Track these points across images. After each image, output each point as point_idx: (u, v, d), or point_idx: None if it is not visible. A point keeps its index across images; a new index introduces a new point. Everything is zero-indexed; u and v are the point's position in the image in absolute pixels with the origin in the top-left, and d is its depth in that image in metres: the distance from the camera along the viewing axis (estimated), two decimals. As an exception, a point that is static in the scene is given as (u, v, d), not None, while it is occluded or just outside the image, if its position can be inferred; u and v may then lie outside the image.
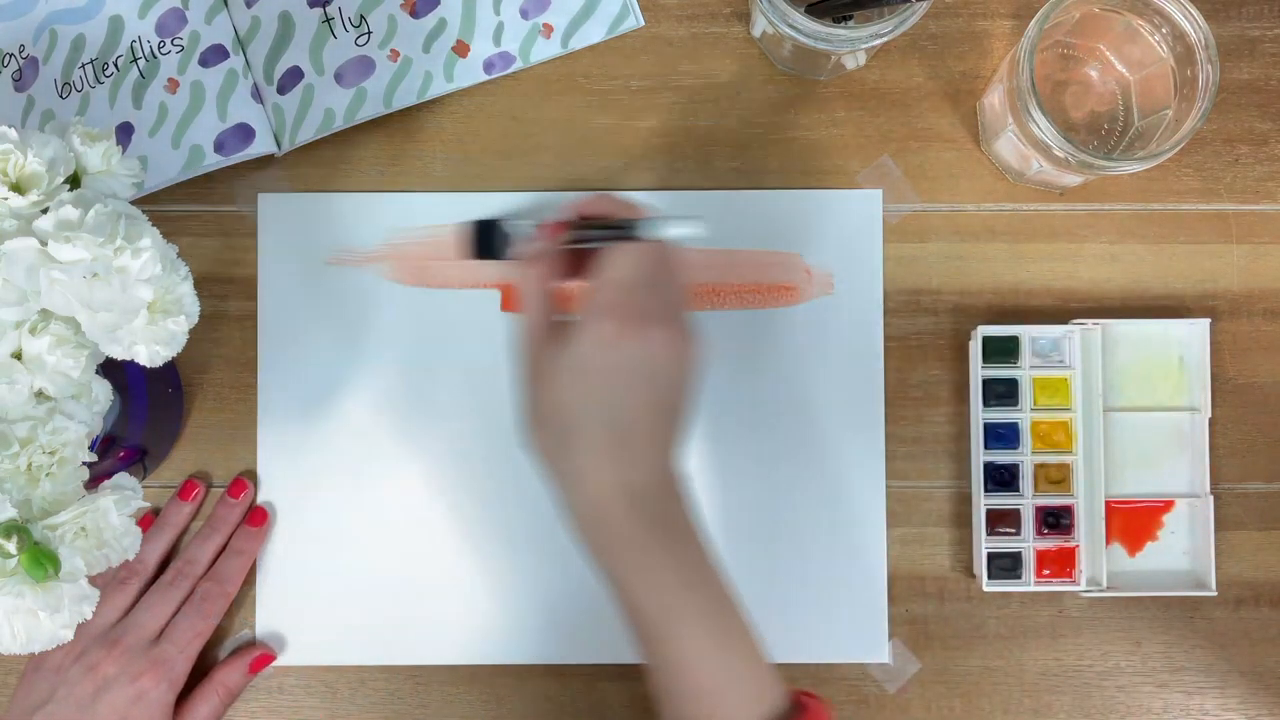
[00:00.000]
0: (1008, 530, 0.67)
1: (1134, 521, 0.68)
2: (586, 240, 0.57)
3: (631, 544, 0.52)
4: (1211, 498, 0.68)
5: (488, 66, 0.69)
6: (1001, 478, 0.67)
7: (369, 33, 0.68)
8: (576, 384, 0.52)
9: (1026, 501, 0.67)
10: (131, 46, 0.67)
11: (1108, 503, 0.68)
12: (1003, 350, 0.67)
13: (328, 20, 0.68)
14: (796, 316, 0.69)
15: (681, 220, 0.56)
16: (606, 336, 0.52)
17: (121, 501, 0.52)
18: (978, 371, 0.67)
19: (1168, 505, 0.69)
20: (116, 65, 0.67)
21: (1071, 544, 0.67)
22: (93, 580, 0.51)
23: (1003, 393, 0.67)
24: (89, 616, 0.51)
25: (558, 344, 0.53)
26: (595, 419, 0.52)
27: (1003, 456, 0.68)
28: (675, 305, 0.54)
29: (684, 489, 0.55)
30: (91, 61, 0.68)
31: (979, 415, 0.67)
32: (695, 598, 0.53)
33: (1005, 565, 0.67)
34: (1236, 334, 0.69)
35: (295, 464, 0.69)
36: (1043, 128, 0.61)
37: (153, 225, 0.51)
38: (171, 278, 0.52)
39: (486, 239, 0.63)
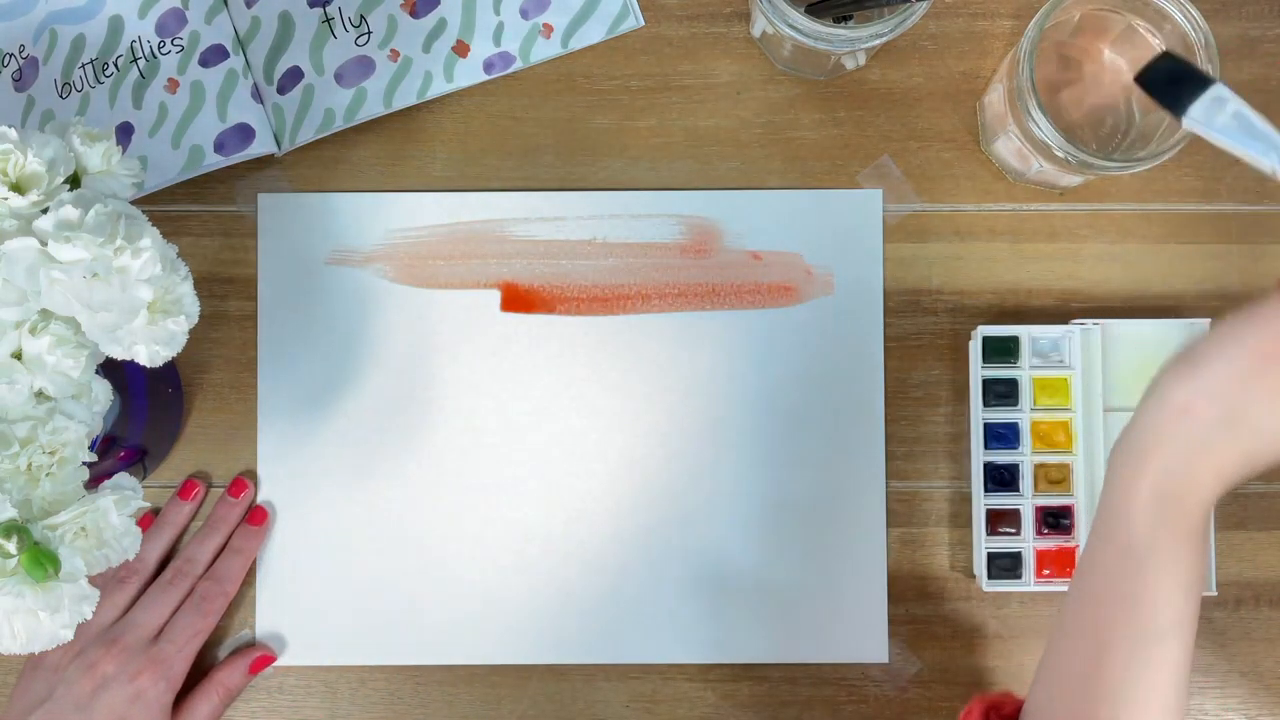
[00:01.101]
0: (1008, 530, 0.67)
1: (1134, 521, 0.68)
2: None
3: (1195, 540, 0.51)
4: (1211, 498, 0.68)
5: (488, 66, 0.69)
6: (1001, 478, 0.67)
7: (369, 33, 0.68)
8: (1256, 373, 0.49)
9: (1026, 501, 0.67)
10: (131, 46, 0.67)
11: (1108, 503, 0.68)
12: (1003, 350, 0.67)
13: (328, 20, 0.68)
14: (796, 316, 0.69)
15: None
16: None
17: (121, 501, 0.52)
18: (978, 371, 0.67)
19: (1168, 505, 0.68)
20: (116, 65, 0.67)
21: (1072, 544, 0.67)
22: (92, 580, 0.51)
23: (1003, 393, 0.67)
24: (89, 616, 0.51)
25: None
26: (1273, 448, 0.50)
27: (1003, 456, 0.67)
28: None
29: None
30: (91, 61, 0.68)
31: (979, 415, 0.67)
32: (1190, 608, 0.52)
33: (1005, 565, 0.67)
34: (1236, 334, 0.69)
35: (295, 464, 0.69)
36: (1043, 128, 0.61)
37: (153, 225, 0.51)
38: (171, 278, 0.52)
39: (1178, 84, 0.53)
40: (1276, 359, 0.50)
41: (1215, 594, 0.67)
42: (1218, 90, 0.53)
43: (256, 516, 0.68)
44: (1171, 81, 0.53)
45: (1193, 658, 0.51)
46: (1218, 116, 0.53)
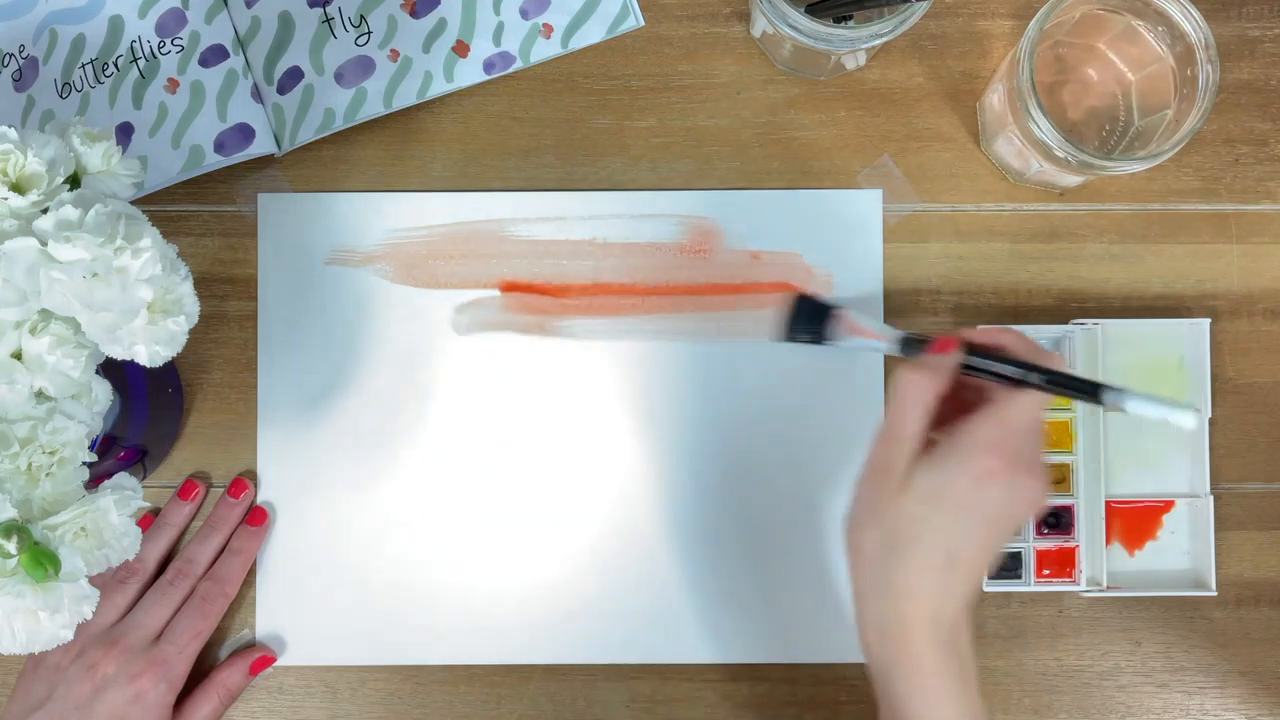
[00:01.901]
0: (1008, 530, 0.67)
1: (1134, 521, 0.68)
2: (994, 373, 0.54)
3: (924, 669, 0.53)
4: (1211, 498, 0.68)
5: (488, 66, 0.69)
6: (1001, 478, 0.67)
7: (369, 33, 0.68)
8: (933, 501, 0.53)
9: (1026, 501, 0.67)
10: (131, 46, 0.67)
11: (1108, 503, 0.68)
12: (1003, 350, 0.67)
13: (328, 20, 0.68)
14: (796, 316, 0.69)
15: (1175, 408, 0.52)
16: (979, 472, 0.52)
17: (121, 501, 0.52)
18: (978, 371, 0.67)
19: (1168, 505, 0.69)
20: (116, 65, 0.67)
21: (1071, 544, 0.67)
22: (92, 580, 0.51)
23: (1003, 393, 0.67)
24: (89, 616, 0.51)
25: (929, 457, 0.53)
26: (934, 543, 0.53)
27: (1003, 456, 0.67)
28: (1039, 452, 0.54)
29: (971, 625, 0.55)
30: (91, 61, 0.68)
31: (979, 415, 0.67)
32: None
33: (1005, 565, 0.67)
34: (1236, 334, 0.69)
35: (295, 464, 0.69)
36: (1043, 128, 0.61)
37: (153, 225, 0.51)
38: (171, 278, 0.52)
39: (809, 317, 0.59)
40: (894, 450, 0.54)
41: (1215, 594, 0.67)
42: (838, 312, 0.59)
43: (256, 517, 0.68)
44: (809, 320, 0.59)
45: None
46: (843, 332, 0.59)
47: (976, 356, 0.55)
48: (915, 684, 0.54)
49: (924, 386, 0.54)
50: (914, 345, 0.57)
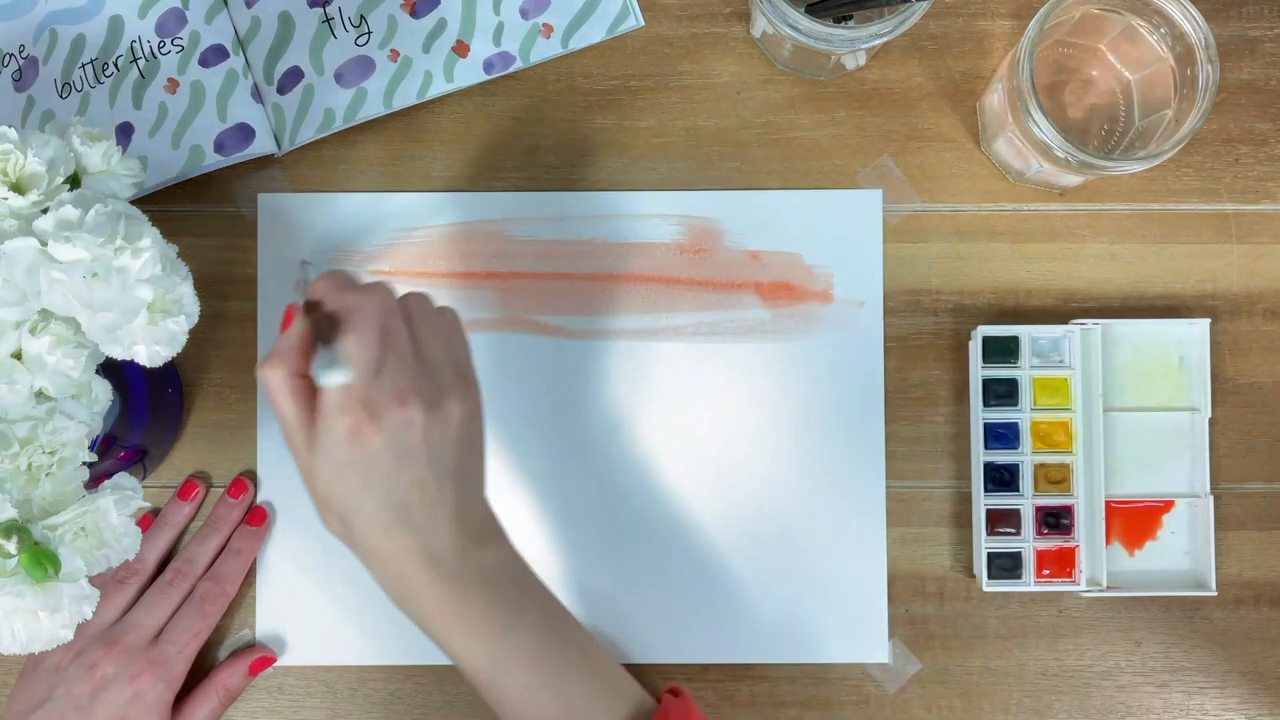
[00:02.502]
0: (1008, 530, 0.67)
1: (1134, 521, 0.68)
2: (319, 336, 0.53)
3: (442, 605, 0.54)
4: (1211, 498, 0.68)
5: (488, 66, 0.69)
6: (1001, 478, 0.67)
7: (369, 33, 0.68)
8: (337, 476, 0.52)
9: (1026, 501, 0.67)
10: (131, 46, 0.67)
11: (1108, 503, 0.68)
12: (1003, 350, 0.67)
13: (328, 20, 0.68)
14: (796, 317, 0.69)
15: (328, 370, 0.51)
16: (345, 433, 0.51)
17: (121, 501, 0.52)
18: (978, 371, 0.67)
19: (1168, 505, 0.69)
20: (116, 65, 0.67)
21: (1071, 544, 0.67)
22: (92, 580, 0.51)
23: (1003, 393, 0.67)
24: (89, 616, 0.51)
25: (313, 437, 0.53)
26: (368, 504, 0.52)
27: (1003, 456, 0.67)
28: (415, 377, 0.53)
29: (492, 532, 0.56)
30: (91, 61, 0.68)
31: (979, 415, 0.67)
32: (518, 638, 0.54)
33: (1005, 565, 0.67)
34: (1236, 334, 0.69)
35: (295, 464, 0.68)
36: (1043, 128, 0.61)
37: (153, 225, 0.51)
38: (171, 278, 0.52)
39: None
40: (290, 441, 0.54)
41: (1215, 594, 0.67)
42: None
43: (256, 517, 0.68)
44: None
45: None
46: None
47: (312, 317, 0.53)
48: (444, 620, 0.54)
49: (276, 374, 0.53)
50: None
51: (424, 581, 0.53)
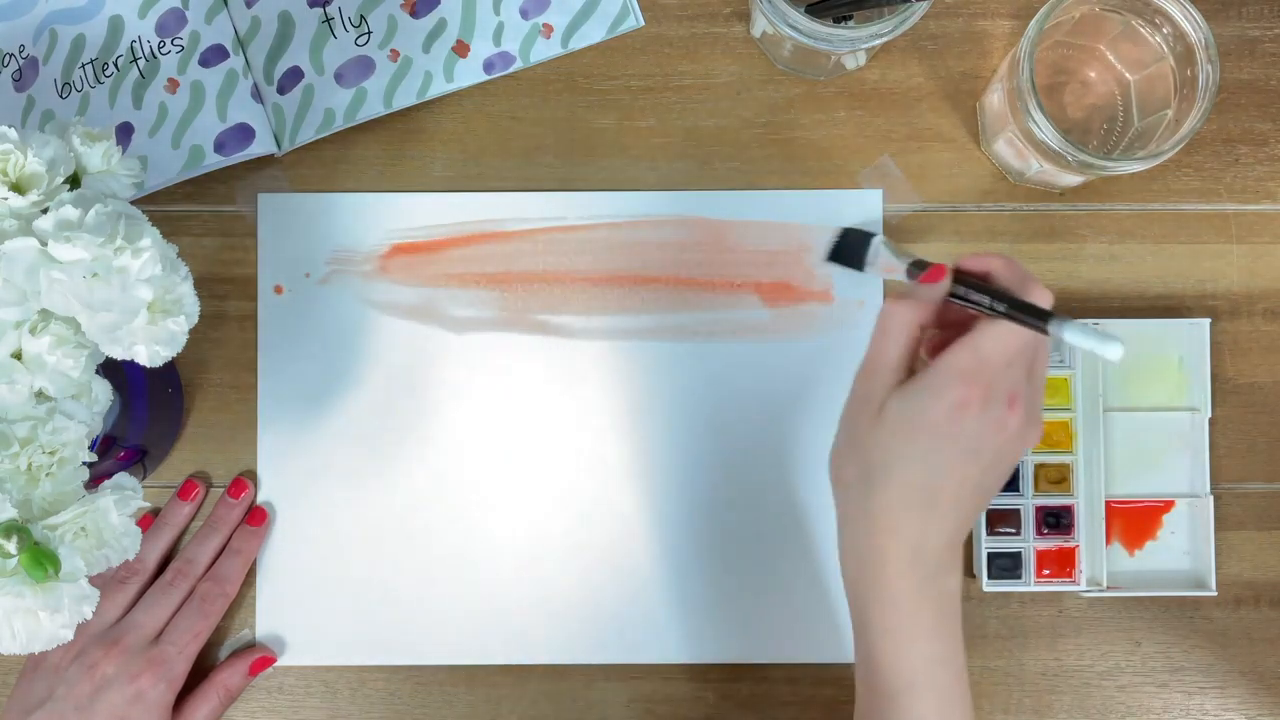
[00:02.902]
0: (1008, 530, 0.67)
1: (1134, 521, 0.68)
2: (973, 302, 0.53)
3: (898, 603, 0.53)
4: (1211, 498, 0.68)
5: (488, 66, 0.69)
6: (1001, 478, 0.68)
7: (369, 33, 0.68)
8: (906, 431, 0.52)
9: (1026, 501, 0.67)
10: (131, 46, 0.67)
11: (1108, 503, 0.68)
12: (1003, 350, 0.67)
13: (328, 20, 0.68)
14: (796, 317, 0.69)
15: (1104, 340, 0.51)
16: (953, 400, 0.51)
17: (121, 501, 0.52)
18: (978, 371, 0.67)
19: (1168, 505, 0.69)
20: (116, 65, 0.67)
21: (1071, 544, 0.67)
22: (92, 580, 0.51)
23: (1003, 393, 0.67)
24: (89, 616, 0.51)
25: (903, 387, 0.52)
26: (910, 472, 0.52)
27: (1003, 456, 0.67)
28: (1023, 392, 0.53)
29: (960, 561, 0.55)
30: (91, 61, 0.68)
31: (979, 415, 0.67)
32: (939, 674, 0.53)
33: (1005, 565, 0.67)
34: (1236, 334, 0.69)
35: (295, 464, 0.69)
36: (1043, 128, 0.61)
37: (153, 225, 0.51)
38: (171, 278, 0.52)
39: (853, 248, 0.64)
40: (876, 379, 0.54)
41: (1215, 594, 0.67)
42: (877, 240, 0.65)
43: (256, 517, 0.68)
44: (852, 249, 0.65)
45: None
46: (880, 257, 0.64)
47: (964, 285, 0.54)
48: (890, 618, 0.53)
49: (904, 317, 0.53)
50: (918, 270, 0.57)
51: (895, 572, 0.52)
